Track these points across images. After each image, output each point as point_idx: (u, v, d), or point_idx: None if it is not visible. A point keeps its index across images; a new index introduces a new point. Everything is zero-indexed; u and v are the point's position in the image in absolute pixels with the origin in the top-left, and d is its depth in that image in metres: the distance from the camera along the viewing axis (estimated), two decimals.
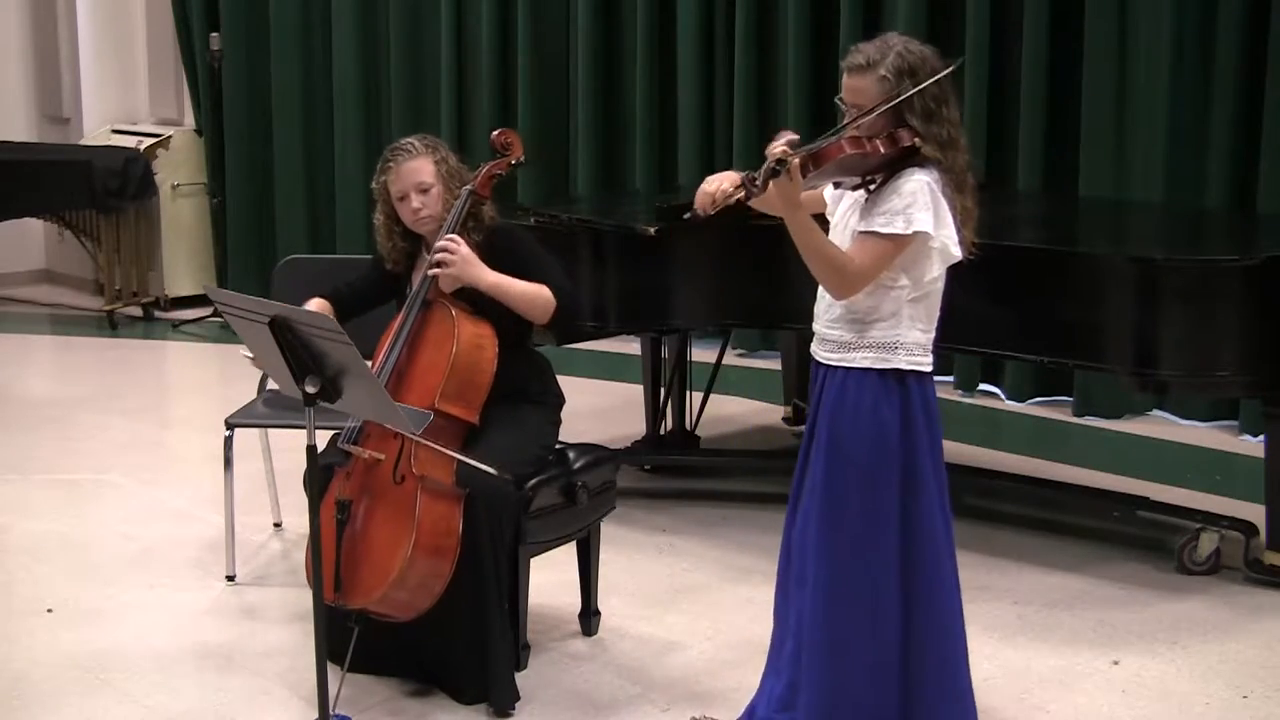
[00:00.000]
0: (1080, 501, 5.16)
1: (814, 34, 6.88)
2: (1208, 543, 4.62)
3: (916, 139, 3.21)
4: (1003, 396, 6.61)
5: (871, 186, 3.26)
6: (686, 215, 3.42)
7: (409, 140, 4.06)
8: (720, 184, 3.33)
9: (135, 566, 4.80)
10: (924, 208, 3.19)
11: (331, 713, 3.55)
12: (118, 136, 8.62)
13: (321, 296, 4.10)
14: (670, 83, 7.34)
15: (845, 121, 3.21)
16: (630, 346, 6.59)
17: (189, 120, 8.76)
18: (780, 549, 3.50)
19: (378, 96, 8.26)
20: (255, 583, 4.66)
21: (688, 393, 5.62)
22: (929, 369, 3.33)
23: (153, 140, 8.45)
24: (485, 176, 4.03)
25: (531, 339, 4.14)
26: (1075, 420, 6.30)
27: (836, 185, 3.36)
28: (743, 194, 3.17)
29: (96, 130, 8.83)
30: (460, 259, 3.88)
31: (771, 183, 3.11)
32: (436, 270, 3.90)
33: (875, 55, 3.22)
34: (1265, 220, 5.59)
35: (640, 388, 5.70)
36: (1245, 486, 5.21)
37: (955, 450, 5.73)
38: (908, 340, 3.28)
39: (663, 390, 5.55)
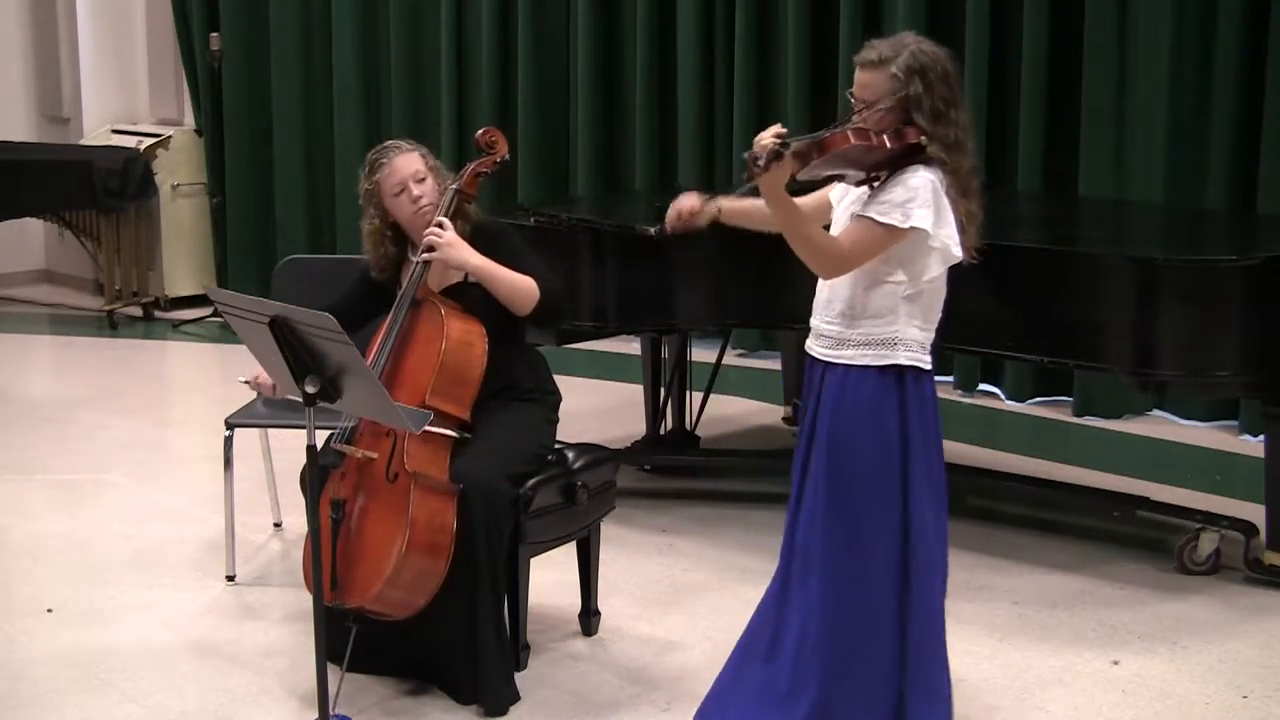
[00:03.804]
0: (1080, 501, 5.15)
1: (814, 34, 6.88)
2: (1208, 543, 4.62)
3: (923, 137, 3.22)
4: (1003, 396, 6.61)
5: (876, 183, 3.27)
6: (653, 230, 3.42)
7: (391, 141, 4.12)
8: (689, 201, 3.40)
9: (135, 566, 4.80)
10: (924, 204, 3.20)
11: (331, 712, 3.55)
12: (118, 136, 8.61)
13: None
14: (670, 83, 7.34)
15: (850, 114, 3.23)
16: (630, 346, 6.59)
17: (189, 120, 8.75)
18: (781, 552, 3.46)
19: (378, 96, 8.25)
20: (255, 583, 4.66)
21: (688, 393, 5.62)
22: (928, 367, 3.33)
23: (153, 140, 8.44)
24: (470, 175, 4.06)
25: (524, 335, 4.13)
26: (1075, 420, 6.30)
27: (839, 179, 3.35)
28: (745, 174, 3.14)
29: (96, 130, 8.82)
30: (447, 242, 3.91)
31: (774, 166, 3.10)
32: (428, 255, 3.91)
33: (888, 52, 3.24)
34: (1265, 220, 5.59)
35: (640, 388, 5.70)
36: (1245, 486, 5.20)
37: (955, 450, 5.74)
38: (906, 336, 3.28)
39: (663, 390, 5.55)
